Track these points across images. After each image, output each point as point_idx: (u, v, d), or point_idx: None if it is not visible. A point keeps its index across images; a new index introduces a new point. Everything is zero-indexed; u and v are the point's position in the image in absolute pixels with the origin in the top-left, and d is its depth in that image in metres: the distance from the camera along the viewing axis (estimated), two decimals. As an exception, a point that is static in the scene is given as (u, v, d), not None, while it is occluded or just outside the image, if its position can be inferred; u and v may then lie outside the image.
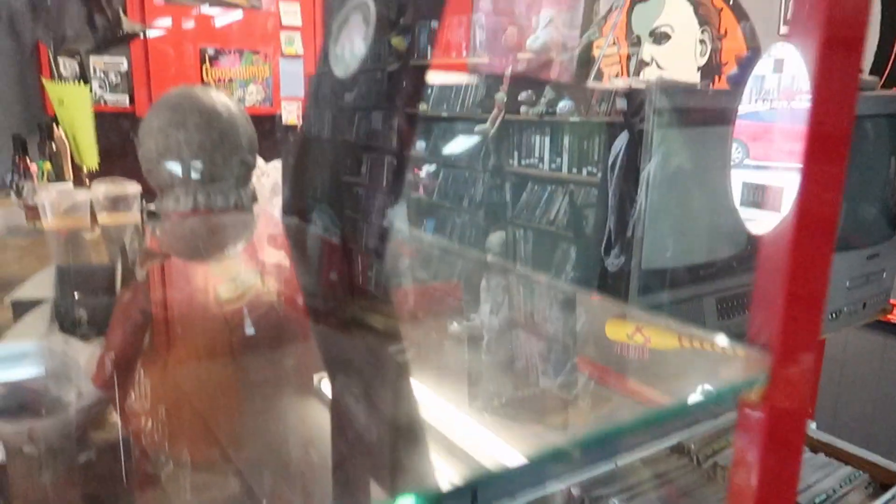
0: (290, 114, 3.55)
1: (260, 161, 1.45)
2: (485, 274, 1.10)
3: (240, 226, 1.29)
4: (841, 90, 0.48)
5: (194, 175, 1.20)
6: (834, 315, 1.51)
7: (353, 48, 0.90)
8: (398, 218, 0.95)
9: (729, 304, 1.36)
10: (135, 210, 1.62)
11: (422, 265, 0.95)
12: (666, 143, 1.08)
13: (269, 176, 1.62)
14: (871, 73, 2.30)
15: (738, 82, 1.36)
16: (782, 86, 0.48)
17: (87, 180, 1.80)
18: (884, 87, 2.36)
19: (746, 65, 1.37)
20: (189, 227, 1.25)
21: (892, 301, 1.74)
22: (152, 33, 3.30)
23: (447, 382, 0.76)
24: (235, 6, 3.36)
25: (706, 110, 1.21)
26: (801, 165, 0.49)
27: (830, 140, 0.49)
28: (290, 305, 1.26)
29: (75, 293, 1.13)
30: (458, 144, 1.08)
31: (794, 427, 0.55)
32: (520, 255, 1.26)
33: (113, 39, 1.32)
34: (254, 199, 1.30)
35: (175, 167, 1.19)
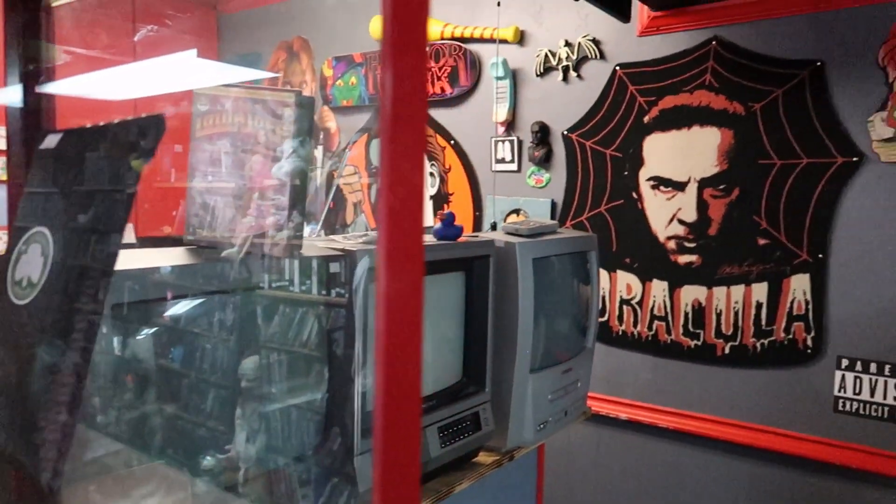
0: (-7, 241, 3.08)
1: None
2: (239, 401, 1.05)
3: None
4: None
5: None
6: (541, 426, 1.72)
7: (31, 279, 0.82)
8: (143, 350, 0.87)
9: (449, 432, 1.47)
10: None
11: (170, 396, 0.88)
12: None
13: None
14: (560, 221, 2.78)
15: (441, 237, 1.60)
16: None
17: None
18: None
19: (447, 222, 1.61)
20: None
21: (589, 395, 2.02)
22: None
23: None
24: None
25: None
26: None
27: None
28: None
29: None
30: (206, 269, 1.05)
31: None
32: (274, 378, 1.23)
33: None
34: None
35: None
